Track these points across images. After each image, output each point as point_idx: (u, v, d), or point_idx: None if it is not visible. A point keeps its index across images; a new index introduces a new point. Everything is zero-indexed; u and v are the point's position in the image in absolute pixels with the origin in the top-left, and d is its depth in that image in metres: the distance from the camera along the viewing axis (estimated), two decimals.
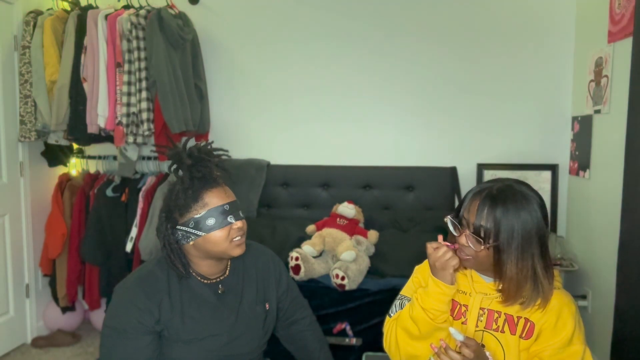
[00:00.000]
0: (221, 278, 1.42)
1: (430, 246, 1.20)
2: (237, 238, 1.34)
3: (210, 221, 1.30)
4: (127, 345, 1.29)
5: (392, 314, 1.37)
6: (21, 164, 2.92)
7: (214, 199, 1.31)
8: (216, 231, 1.30)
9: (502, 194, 1.14)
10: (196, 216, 1.29)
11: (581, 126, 2.74)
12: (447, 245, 1.19)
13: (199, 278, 1.39)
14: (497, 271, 1.16)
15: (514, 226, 1.11)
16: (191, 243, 1.32)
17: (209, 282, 1.40)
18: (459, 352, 1.13)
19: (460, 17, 2.95)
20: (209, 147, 1.37)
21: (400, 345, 1.27)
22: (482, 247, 1.14)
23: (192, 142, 1.38)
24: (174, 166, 1.35)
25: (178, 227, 1.32)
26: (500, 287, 1.20)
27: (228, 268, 1.45)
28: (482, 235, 1.13)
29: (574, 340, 1.17)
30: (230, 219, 1.32)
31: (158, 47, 2.65)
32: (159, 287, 1.34)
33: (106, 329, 1.33)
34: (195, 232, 1.30)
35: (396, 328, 1.30)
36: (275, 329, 1.59)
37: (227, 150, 1.41)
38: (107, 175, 3.02)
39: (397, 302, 1.38)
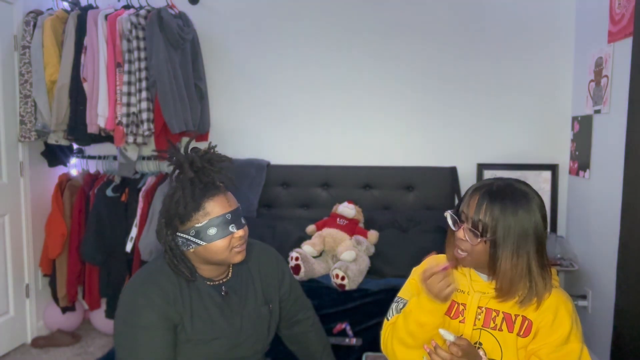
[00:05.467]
0: (224, 280, 1.41)
1: (429, 275, 1.16)
2: (237, 247, 1.32)
3: (212, 231, 1.27)
4: (151, 341, 1.26)
5: (389, 317, 1.38)
6: (21, 164, 2.92)
7: (216, 208, 1.28)
8: (217, 241, 1.28)
9: (502, 190, 1.16)
10: (197, 225, 1.27)
11: (581, 126, 2.74)
12: (444, 268, 1.16)
13: (203, 279, 1.38)
14: (491, 267, 1.17)
15: (511, 222, 1.13)
16: (192, 250, 1.31)
17: (212, 284, 1.39)
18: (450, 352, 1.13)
19: (460, 17, 2.95)
20: (211, 151, 1.34)
21: (398, 355, 1.29)
22: (479, 240, 1.15)
23: (192, 144, 1.35)
24: (177, 172, 1.32)
25: (178, 234, 1.30)
26: (495, 285, 1.20)
27: (230, 270, 1.44)
28: (479, 229, 1.14)
29: (571, 338, 1.17)
30: (232, 228, 1.30)
31: (158, 47, 2.65)
32: (170, 282, 1.32)
33: (123, 327, 1.29)
34: (196, 241, 1.28)
35: (392, 339, 1.30)
36: (278, 329, 1.58)
37: (230, 158, 1.39)
38: (107, 175, 3.02)
39: (393, 306, 1.38)
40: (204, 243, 1.28)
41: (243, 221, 1.35)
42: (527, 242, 1.14)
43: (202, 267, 1.36)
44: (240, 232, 1.31)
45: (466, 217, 1.18)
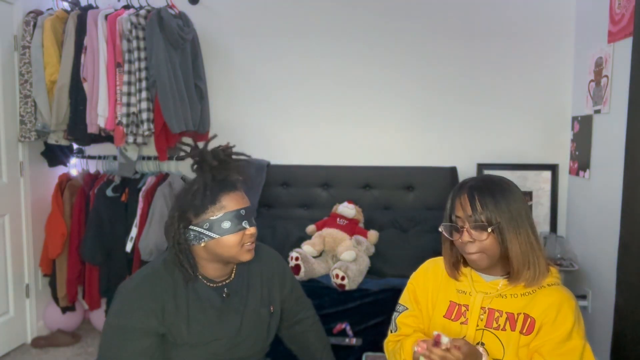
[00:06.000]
0: (227, 282, 1.41)
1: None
2: (248, 244, 1.34)
3: (226, 224, 1.29)
4: (129, 346, 1.27)
5: (391, 329, 1.40)
6: (21, 164, 2.92)
7: (231, 203, 1.31)
8: (230, 235, 1.30)
9: (482, 182, 1.22)
10: (212, 218, 1.29)
11: (581, 126, 2.74)
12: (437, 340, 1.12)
13: (204, 281, 1.38)
14: (504, 253, 1.19)
15: (504, 206, 1.18)
16: (202, 244, 1.31)
17: (214, 285, 1.39)
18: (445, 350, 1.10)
19: (460, 17, 2.95)
20: (230, 150, 1.37)
21: None
22: (488, 231, 1.17)
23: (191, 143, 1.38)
24: (196, 166, 1.34)
25: (191, 227, 1.31)
26: (509, 274, 1.22)
27: (234, 271, 1.44)
28: (484, 221, 1.17)
29: (573, 335, 1.18)
30: (245, 224, 1.32)
31: (158, 47, 2.65)
32: (164, 287, 1.32)
33: (108, 328, 1.30)
34: (209, 234, 1.29)
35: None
36: (279, 329, 1.59)
37: (249, 156, 1.42)
38: (107, 175, 3.02)
39: (395, 315, 1.40)
40: (217, 236, 1.29)
41: (254, 221, 1.37)
42: (522, 219, 1.19)
43: (208, 265, 1.36)
44: (252, 230, 1.34)
45: (465, 219, 1.20)
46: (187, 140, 1.41)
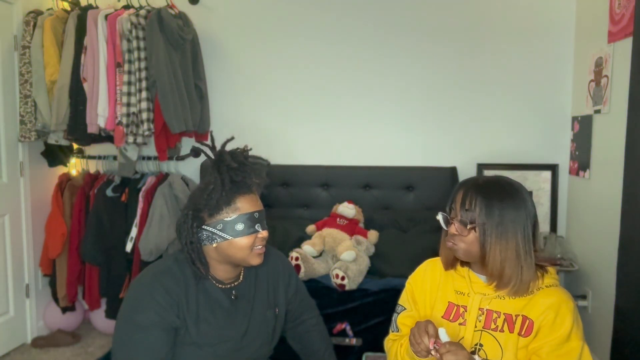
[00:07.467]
0: (235, 284, 1.42)
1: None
2: (259, 247, 1.35)
3: (239, 226, 1.30)
4: (147, 341, 1.26)
5: (391, 329, 1.40)
6: (21, 164, 2.92)
7: (246, 205, 1.32)
8: (242, 237, 1.31)
9: (488, 182, 1.22)
10: (226, 219, 1.30)
11: (581, 126, 2.74)
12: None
13: (214, 282, 1.38)
14: (482, 254, 1.20)
15: (495, 209, 1.17)
16: (214, 245, 1.31)
17: (223, 287, 1.39)
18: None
19: (460, 17, 2.95)
20: (248, 152, 1.38)
21: None
22: (468, 228, 1.19)
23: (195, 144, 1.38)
24: (214, 165, 1.35)
25: (204, 226, 1.31)
26: (490, 274, 1.22)
27: (242, 274, 1.45)
28: (468, 219, 1.19)
29: (572, 336, 1.17)
30: (257, 227, 1.33)
31: (158, 47, 2.65)
32: (177, 285, 1.32)
33: (124, 324, 1.30)
34: (222, 234, 1.30)
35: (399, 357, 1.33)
36: (283, 329, 1.59)
37: (267, 160, 1.44)
38: (107, 175, 3.02)
39: (394, 316, 1.41)
40: (230, 237, 1.30)
41: (266, 225, 1.37)
42: (514, 227, 1.17)
43: (217, 266, 1.37)
44: (264, 233, 1.35)
45: (455, 213, 1.23)
46: (191, 141, 1.41)
